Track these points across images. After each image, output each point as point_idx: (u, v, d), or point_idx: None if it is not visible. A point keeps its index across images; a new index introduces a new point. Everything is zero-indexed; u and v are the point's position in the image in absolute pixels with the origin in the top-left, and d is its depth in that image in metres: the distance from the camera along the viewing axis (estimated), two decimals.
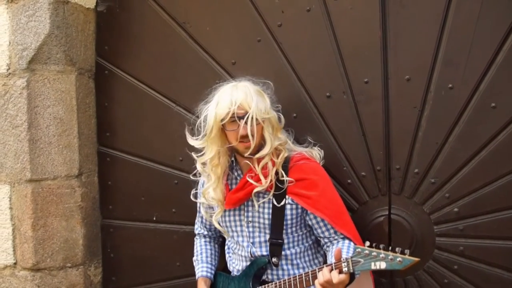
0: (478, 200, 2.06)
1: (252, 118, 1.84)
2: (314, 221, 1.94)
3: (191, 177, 2.12)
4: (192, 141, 2.01)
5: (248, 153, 1.89)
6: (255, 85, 1.97)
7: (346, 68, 2.18)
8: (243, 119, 1.85)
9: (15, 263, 2.53)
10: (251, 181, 1.91)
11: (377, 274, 2.12)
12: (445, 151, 2.08)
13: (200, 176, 2.10)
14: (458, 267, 2.11)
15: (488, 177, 2.04)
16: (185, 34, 2.44)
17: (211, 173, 1.98)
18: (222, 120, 1.87)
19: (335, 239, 1.93)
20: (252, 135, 1.85)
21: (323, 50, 2.20)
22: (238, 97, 1.86)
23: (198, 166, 2.03)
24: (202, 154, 2.00)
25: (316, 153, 2.07)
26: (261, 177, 1.90)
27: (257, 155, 1.90)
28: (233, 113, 1.86)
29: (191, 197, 2.11)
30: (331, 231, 1.93)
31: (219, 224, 2.05)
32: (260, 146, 1.92)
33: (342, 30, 2.18)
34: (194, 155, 2.01)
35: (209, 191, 2.00)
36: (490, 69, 2.00)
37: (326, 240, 1.95)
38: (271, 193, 1.92)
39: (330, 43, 2.19)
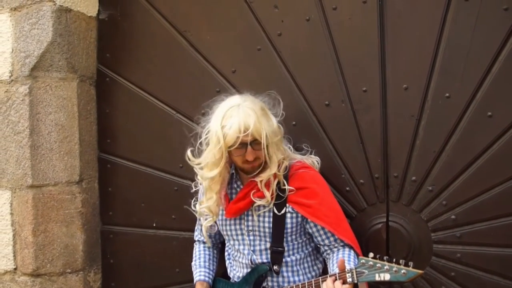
0: (475, 207, 2.07)
1: (260, 144, 1.82)
2: (314, 229, 1.96)
3: (192, 186, 2.13)
4: (192, 162, 1.95)
5: (254, 173, 1.90)
6: (258, 101, 1.91)
7: (344, 77, 2.21)
8: (251, 145, 1.83)
9: (15, 269, 2.53)
10: (255, 199, 1.90)
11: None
12: (442, 159, 2.11)
13: (201, 184, 2.08)
14: (455, 274, 2.13)
15: (485, 185, 2.06)
16: (186, 43, 2.46)
17: (208, 187, 1.96)
18: (230, 146, 1.81)
19: (335, 247, 1.95)
20: (260, 159, 1.86)
21: (322, 59, 2.23)
22: (247, 123, 1.77)
23: (200, 178, 2.00)
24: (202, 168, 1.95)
25: (314, 160, 2.09)
26: (265, 192, 1.90)
27: (263, 176, 1.88)
28: (242, 140, 1.80)
29: (192, 207, 2.11)
30: (331, 238, 1.94)
31: (220, 232, 2.08)
32: (265, 163, 1.90)
33: (340, 40, 2.20)
34: (195, 168, 1.98)
35: (203, 201, 2.00)
36: (487, 78, 2.02)
37: (326, 247, 1.97)
38: (272, 203, 1.93)
39: (329, 52, 2.22)
